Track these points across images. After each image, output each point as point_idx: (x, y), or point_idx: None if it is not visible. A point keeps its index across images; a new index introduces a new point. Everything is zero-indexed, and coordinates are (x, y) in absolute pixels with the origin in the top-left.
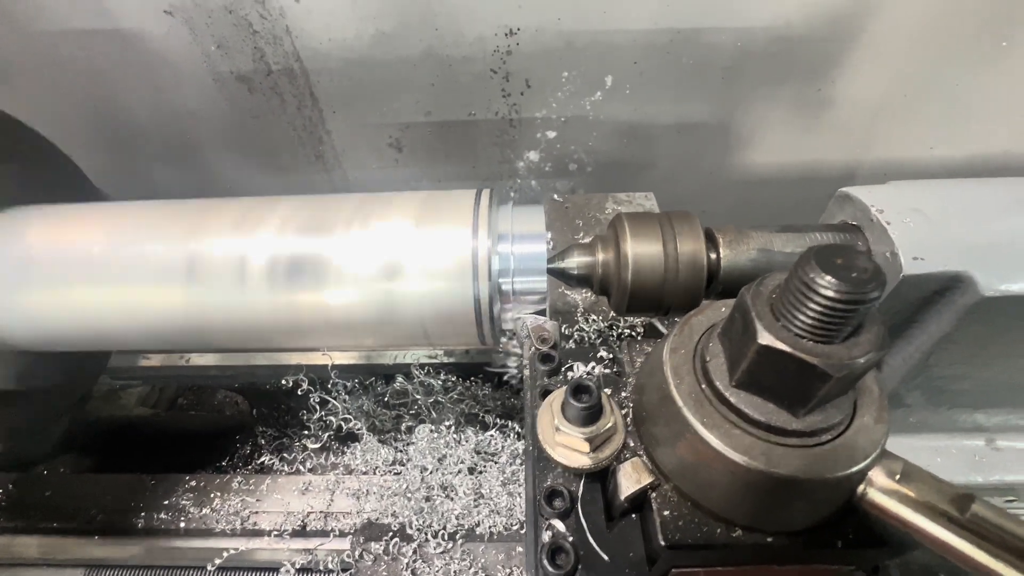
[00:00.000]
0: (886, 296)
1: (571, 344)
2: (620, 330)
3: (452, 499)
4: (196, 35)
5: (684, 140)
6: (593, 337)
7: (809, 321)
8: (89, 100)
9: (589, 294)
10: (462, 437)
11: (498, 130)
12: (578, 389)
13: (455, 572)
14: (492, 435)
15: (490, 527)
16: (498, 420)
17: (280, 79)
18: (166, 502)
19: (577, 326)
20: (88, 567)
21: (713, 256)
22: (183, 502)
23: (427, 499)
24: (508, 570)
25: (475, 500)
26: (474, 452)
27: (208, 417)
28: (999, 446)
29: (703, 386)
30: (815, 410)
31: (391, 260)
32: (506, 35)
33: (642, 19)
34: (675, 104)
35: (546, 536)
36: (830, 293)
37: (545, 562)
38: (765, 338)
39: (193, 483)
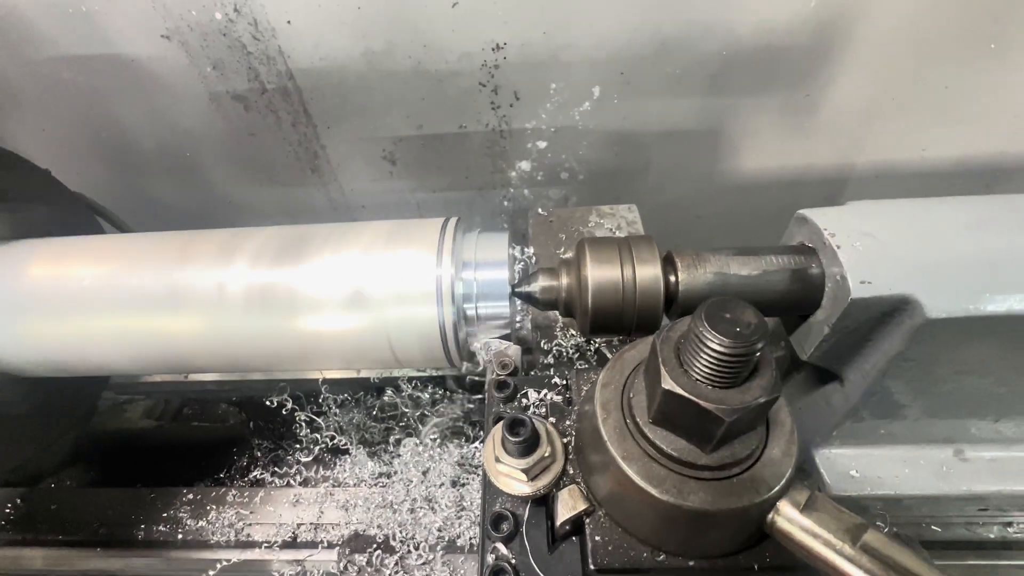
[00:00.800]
0: (839, 317)
1: (550, 359)
2: (597, 345)
3: (435, 511)
4: (192, 57)
5: (674, 147)
6: (571, 352)
7: (705, 369)
8: (91, 122)
9: None
10: (445, 451)
11: (489, 141)
12: (513, 424)
13: None
14: (476, 447)
15: (470, 539)
16: (481, 432)
17: (275, 97)
18: (165, 515)
19: (556, 341)
20: None
21: (672, 279)
22: (181, 514)
23: (411, 511)
24: None
25: (457, 512)
26: (457, 465)
27: (209, 428)
28: (967, 457)
29: (627, 420)
30: (722, 446)
31: (360, 287)
32: (493, 50)
33: (626, 30)
34: (663, 112)
35: (490, 558)
36: (716, 346)
37: None
38: (667, 383)
39: (191, 496)
